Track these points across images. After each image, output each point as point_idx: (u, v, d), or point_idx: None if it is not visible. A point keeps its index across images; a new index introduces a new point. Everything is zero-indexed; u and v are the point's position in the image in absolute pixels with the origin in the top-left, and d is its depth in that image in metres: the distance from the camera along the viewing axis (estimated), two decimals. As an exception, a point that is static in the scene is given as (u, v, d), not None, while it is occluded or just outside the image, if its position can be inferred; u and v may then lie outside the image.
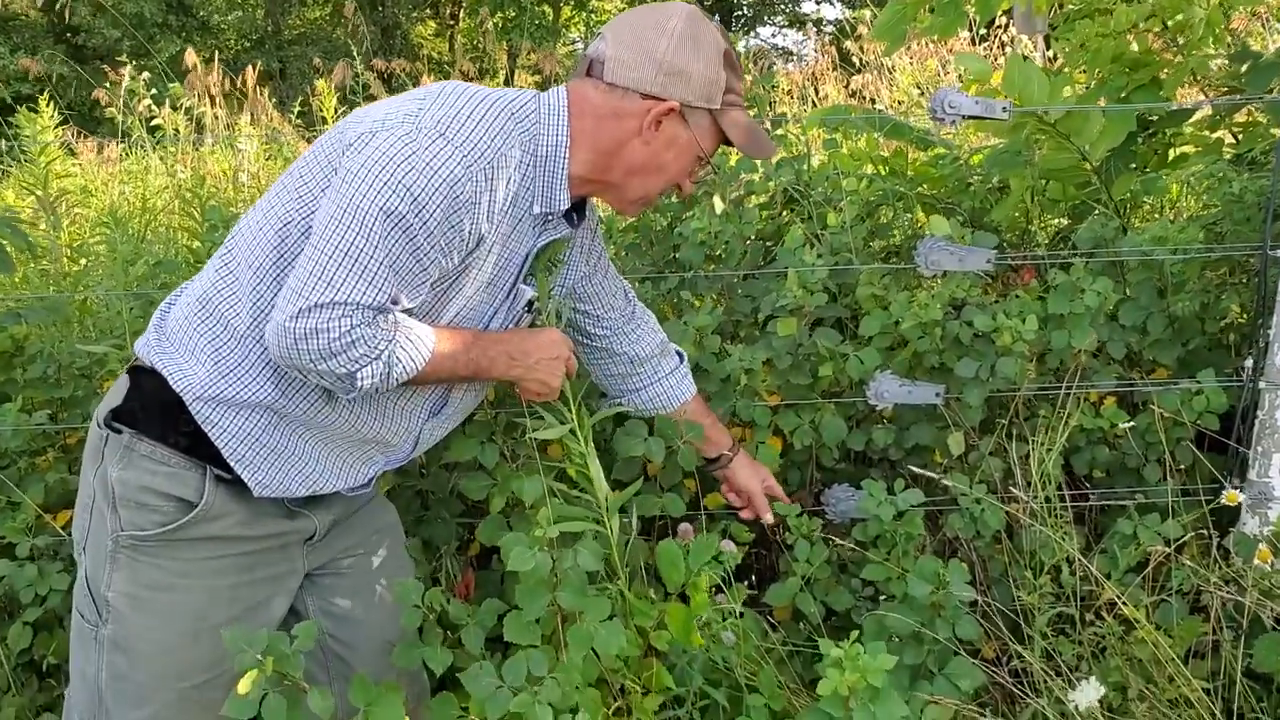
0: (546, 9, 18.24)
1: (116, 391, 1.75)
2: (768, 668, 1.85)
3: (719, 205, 2.53)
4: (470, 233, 1.61)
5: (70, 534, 1.85)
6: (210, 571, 1.71)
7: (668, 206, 2.81)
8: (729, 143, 1.77)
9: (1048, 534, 1.90)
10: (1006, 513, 2.09)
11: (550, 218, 1.76)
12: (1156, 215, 3.20)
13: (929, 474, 2.00)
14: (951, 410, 2.22)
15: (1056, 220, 3.09)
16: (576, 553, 1.52)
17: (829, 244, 2.45)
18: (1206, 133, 3.05)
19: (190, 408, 1.65)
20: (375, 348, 1.56)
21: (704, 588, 1.62)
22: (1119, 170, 2.86)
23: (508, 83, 12.06)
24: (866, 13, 6.23)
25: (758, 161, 2.92)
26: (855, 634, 1.64)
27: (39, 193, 3.20)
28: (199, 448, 1.67)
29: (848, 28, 7.00)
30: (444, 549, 2.15)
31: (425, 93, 1.65)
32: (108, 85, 5.56)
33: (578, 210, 1.85)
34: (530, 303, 1.82)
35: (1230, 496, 2.00)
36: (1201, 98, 3.16)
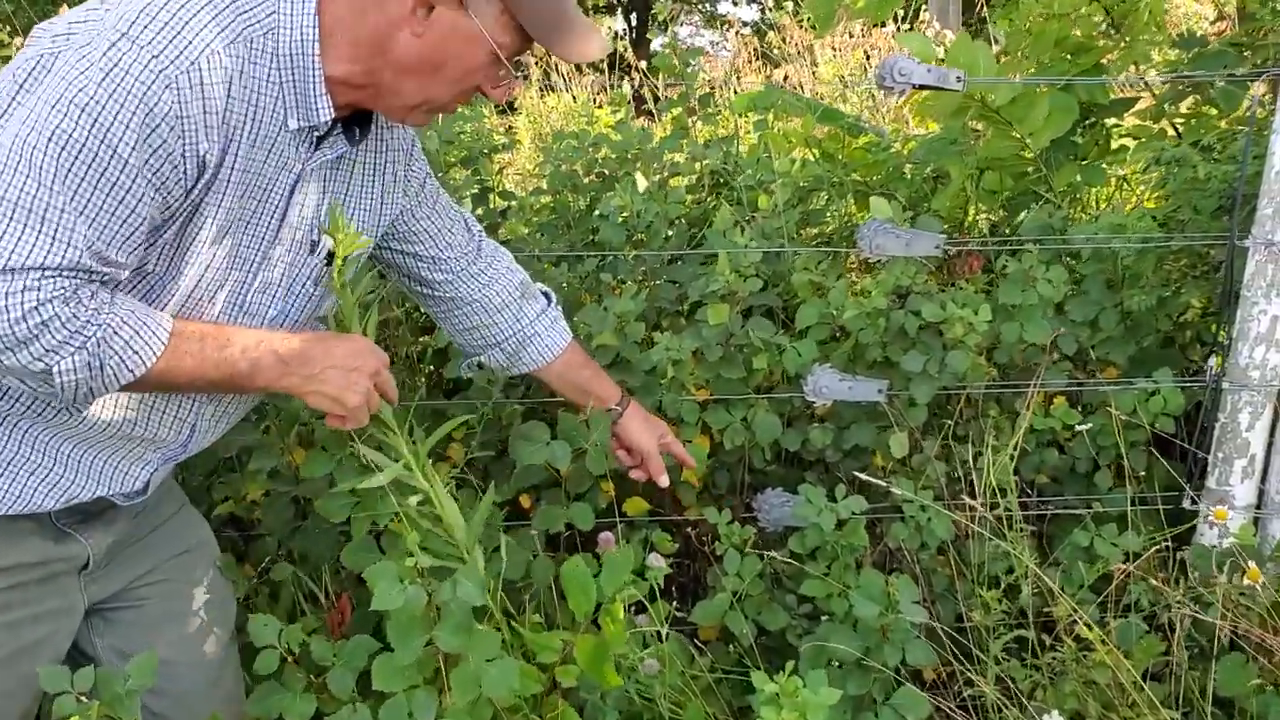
0: None
1: None
2: (695, 700, 1.63)
3: (642, 183, 2.30)
4: (186, 155, 1.23)
5: None
6: None
7: (587, 186, 2.58)
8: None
9: (1006, 547, 1.71)
10: (954, 522, 1.91)
11: (317, 133, 1.40)
12: (1093, 208, 3.08)
13: (874, 480, 1.80)
14: (894, 409, 2.03)
15: (992, 213, 2.94)
16: (455, 583, 1.26)
17: (760, 228, 2.24)
18: (1149, 123, 2.94)
19: None
20: (77, 333, 1.17)
21: (620, 616, 1.38)
22: (1059, 161, 2.73)
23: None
24: (790, 4, 6.08)
25: (683, 142, 2.72)
26: (792, 665, 1.42)
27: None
28: None
29: (768, 22, 6.85)
30: (324, 565, 1.86)
31: None
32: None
33: (360, 124, 1.48)
34: (330, 256, 1.47)
35: (1220, 514, 1.83)
36: (1142, 88, 3.05)
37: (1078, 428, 2.05)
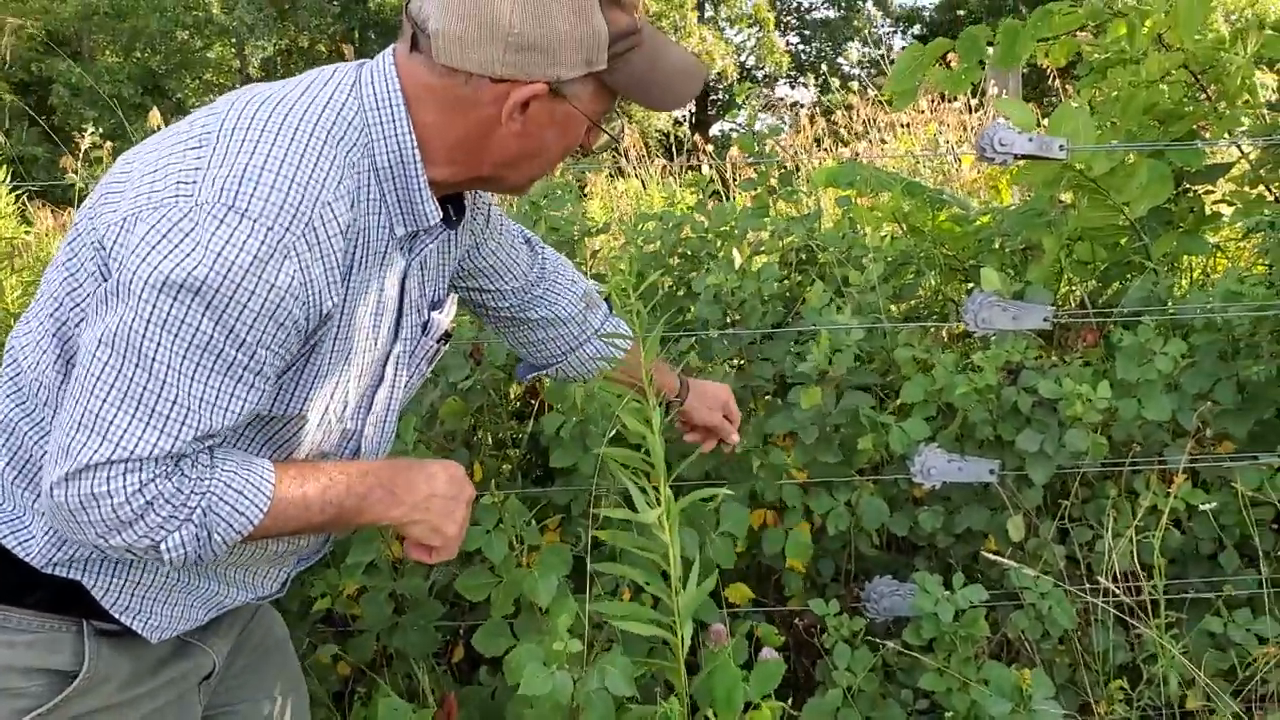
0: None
1: None
2: (816, 805, 1.54)
3: (737, 259, 2.26)
4: (310, 317, 1.17)
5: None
6: None
7: (672, 267, 2.54)
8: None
9: (1151, 635, 1.61)
10: (1079, 610, 1.81)
11: (419, 233, 1.33)
12: (1190, 277, 2.99)
13: (1005, 562, 1.71)
14: (1006, 489, 1.94)
15: (1084, 285, 2.87)
16: (604, 672, 1.20)
17: (854, 303, 2.18)
18: (1246, 189, 2.86)
19: (46, 573, 1.23)
20: (182, 506, 1.13)
21: (771, 723, 1.30)
22: (1156, 230, 2.66)
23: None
24: (855, 84, 6.09)
25: (766, 219, 2.68)
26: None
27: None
28: (67, 599, 1.25)
29: (830, 101, 6.87)
30: (420, 663, 1.79)
31: (202, 138, 1.18)
32: (75, 154, 5.26)
33: (454, 204, 1.39)
34: (447, 334, 1.43)
35: None
36: (1235, 153, 2.97)
37: (1201, 506, 1.95)
